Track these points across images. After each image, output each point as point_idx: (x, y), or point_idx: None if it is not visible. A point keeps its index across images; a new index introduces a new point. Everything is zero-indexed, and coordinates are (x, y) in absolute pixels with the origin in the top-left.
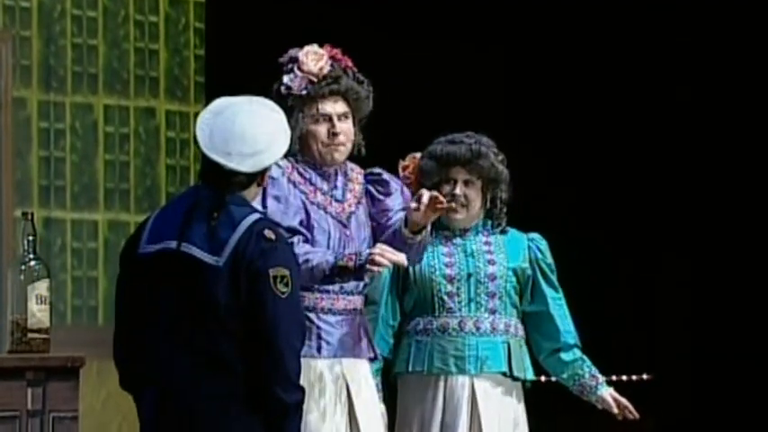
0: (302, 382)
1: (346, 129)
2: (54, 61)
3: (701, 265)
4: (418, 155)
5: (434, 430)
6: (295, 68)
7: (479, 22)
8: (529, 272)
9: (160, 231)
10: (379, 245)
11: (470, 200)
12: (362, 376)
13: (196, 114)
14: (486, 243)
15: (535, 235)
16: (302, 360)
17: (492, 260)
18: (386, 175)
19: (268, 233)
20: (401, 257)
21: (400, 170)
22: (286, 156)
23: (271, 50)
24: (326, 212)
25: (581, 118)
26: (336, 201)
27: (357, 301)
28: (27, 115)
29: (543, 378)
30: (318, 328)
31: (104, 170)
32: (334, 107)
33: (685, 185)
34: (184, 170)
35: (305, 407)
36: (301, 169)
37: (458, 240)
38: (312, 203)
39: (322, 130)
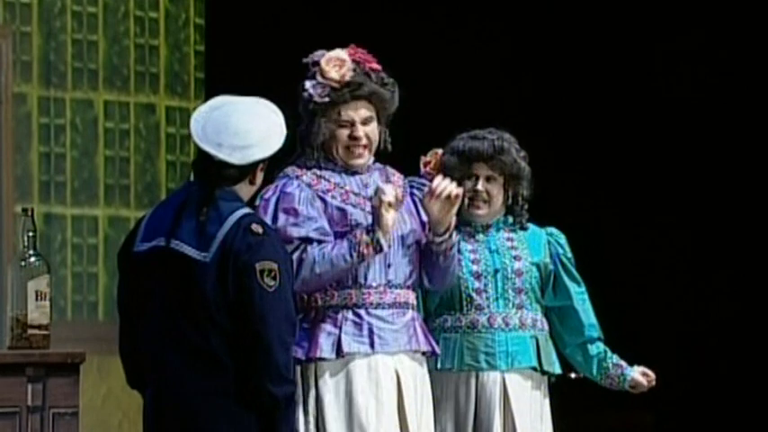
0: (359, 377)
1: (369, 132)
2: (54, 57)
3: (702, 265)
4: (440, 150)
5: (469, 426)
6: (317, 75)
7: (486, 18)
8: (551, 267)
9: (153, 229)
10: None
11: (492, 196)
12: (416, 370)
13: None
14: (509, 239)
15: (553, 229)
16: (357, 357)
17: (518, 256)
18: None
19: (255, 227)
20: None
21: (422, 166)
22: (306, 167)
23: (271, 47)
24: (364, 211)
25: (579, 118)
26: (370, 200)
27: (406, 294)
28: (27, 111)
29: (574, 375)
30: (369, 324)
31: (104, 166)
32: (357, 113)
33: (686, 186)
34: (184, 166)
35: (361, 401)
36: (328, 176)
37: (480, 237)
38: (348, 204)
39: (343, 134)
